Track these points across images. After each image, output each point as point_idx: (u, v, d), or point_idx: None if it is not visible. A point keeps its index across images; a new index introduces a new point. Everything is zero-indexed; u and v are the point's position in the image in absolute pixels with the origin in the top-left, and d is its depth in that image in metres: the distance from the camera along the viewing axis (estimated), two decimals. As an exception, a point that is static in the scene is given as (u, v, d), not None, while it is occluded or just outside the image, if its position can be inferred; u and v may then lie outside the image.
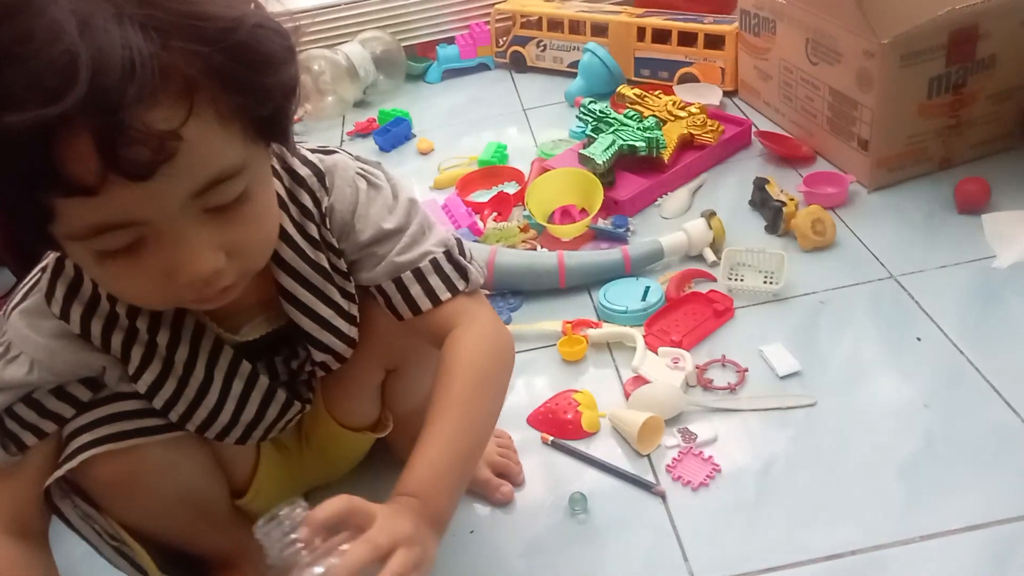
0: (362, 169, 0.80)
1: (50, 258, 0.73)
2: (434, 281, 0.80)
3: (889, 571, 0.88)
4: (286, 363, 0.85)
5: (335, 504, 0.61)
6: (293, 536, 0.61)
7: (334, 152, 0.81)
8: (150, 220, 0.58)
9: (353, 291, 0.82)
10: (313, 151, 0.80)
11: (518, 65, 2.25)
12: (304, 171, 0.77)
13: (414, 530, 0.63)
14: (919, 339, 1.16)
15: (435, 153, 1.91)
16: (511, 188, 1.66)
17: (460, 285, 0.81)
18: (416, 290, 0.79)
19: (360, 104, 2.21)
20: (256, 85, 0.59)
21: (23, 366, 0.72)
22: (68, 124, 0.52)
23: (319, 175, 0.78)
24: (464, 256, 0.82)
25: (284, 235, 0.75)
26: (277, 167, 0.76)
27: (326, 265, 0.79)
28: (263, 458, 0.93)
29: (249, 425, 0.82)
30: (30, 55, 0.51)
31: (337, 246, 0.79)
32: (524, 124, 1.98)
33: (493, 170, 1.73)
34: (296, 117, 0.74)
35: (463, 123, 2.04)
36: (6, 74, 0.51)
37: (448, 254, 0.81)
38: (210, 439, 0.82)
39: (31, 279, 0.74)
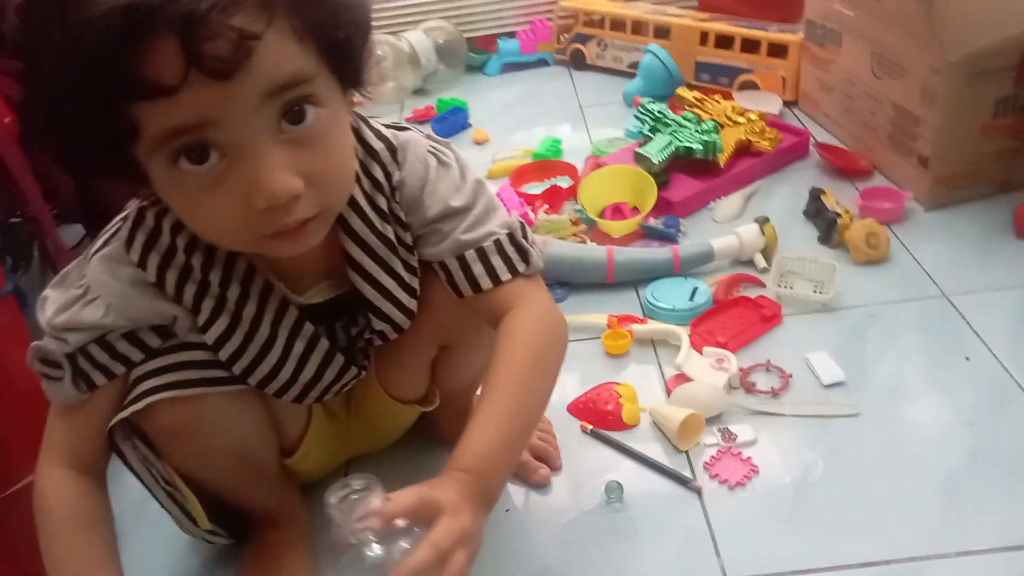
0: (433, 147, 0.83)
1: (131, 209, 0.77)
2: (496, 262, 0.81)
3: (922, 584, 0.88)
4: (346, 329, 0.87)
5: (408, 498, 0.63)
6: (365, 521, 0.62)
7: (407, 129, 0.83)
8: (227, 121, 0.61)
9: (416, 265, 0.84)
10: (387, 126, 0.83)
11: (577, 63, 2.26)
12: (377, 144, 0.80)
13: (472, 523, 0.64)
14: (968, 359, 1.15)
15: (490, 144, 1.94)
16: (564, 182, 1.67)
17: (520, 267, 0.82)
18: (478, 269, 0.81)
19: (419, 92, 2.24)
20: (331, 5, 0.64)
21: (99, 309, 0.75)
22: (153, 22, 0.56)
23: (392, 149, 0.80)
24: (526, 239, 0.84)
25: (354, 205, 0.78)
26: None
27: (392, 237, 0.81)
28: (313, 422, 0.96)
29: (307, 385, 0.84)
30: None
31: (405, 220, 0.81)
32: (580, 121, 1.99)
33: (547, 163, 1.75)
34: (357, 100, 0.76)
35: (519, 116, 2.06)
36: None
37: (511, 236, 0.82)
38: (269, 395, 0.85)
39: (112, 227, 0.77)
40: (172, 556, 1.01)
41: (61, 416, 0.81)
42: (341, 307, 0.85)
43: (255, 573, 0.95)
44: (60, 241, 1.11)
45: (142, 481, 0.87)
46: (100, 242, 0.77)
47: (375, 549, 0.63)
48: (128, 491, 0.90)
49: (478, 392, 1.02)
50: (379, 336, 0.87)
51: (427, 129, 0.88)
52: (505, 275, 0.81)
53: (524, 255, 0.83)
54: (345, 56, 0.68)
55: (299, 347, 0.82)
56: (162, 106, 0.59)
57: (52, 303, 0.77)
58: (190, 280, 0.77)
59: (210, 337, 0.79)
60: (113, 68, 0.57)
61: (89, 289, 0.76)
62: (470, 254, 0.81)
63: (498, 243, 0.81)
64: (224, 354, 0.80)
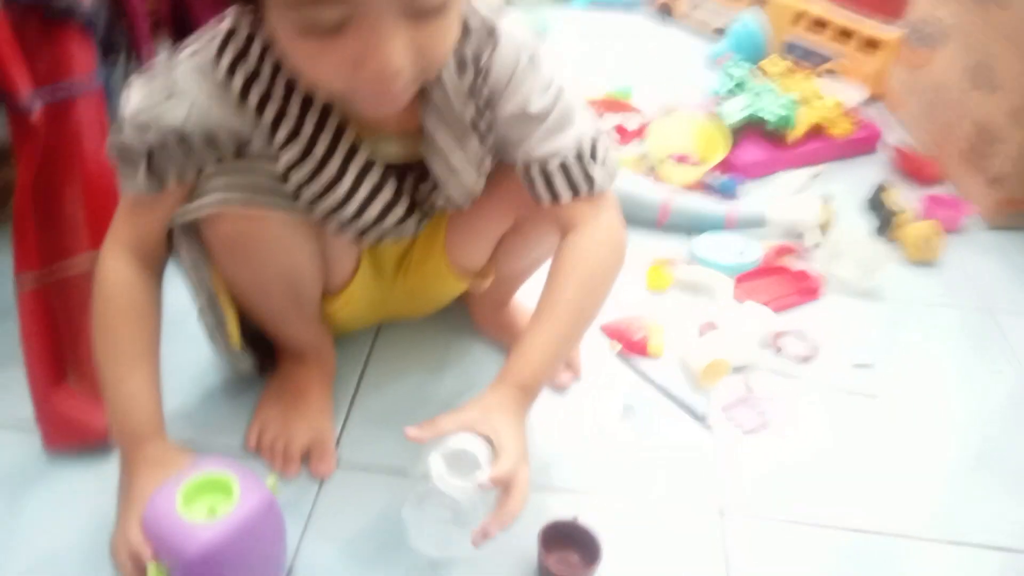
0: (529, 42, 0.82)
1: (224, 24, 0.77)
2: (558, 183, 0.82)
3: (903, 561, 0.90)
4: (415, 184, 0.88)
5: (505, 471, 0.74)
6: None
7: (509, 15, 0.82)
8: (361, 4, 0.62)
9: (489, 147, 0.85)
10: (489, 7, 0.81)
11: (664, 15, 2.24)
12: (475, 24, 0.79)
13: (523, 452, 0.77)
14: (1000, 371, 1.16)
15: (563, 75, 1.92)
16: (630, 124, 1.66)
17: (583, 189, 0.83)
18: (540, 186, 0.83)
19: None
20: None
21: (181, 110, 0.76)
22: None
23: (489, 32, 0.79)
24: (597, 156, 0.83)
25: (439, 78, 0.78)
26: None
27: (470, 118, 0.81)
28: (360, 272, 0.97)
29: (367, 226, 0.85)
30: None
31: (483, 106, 0.81)
32: (656, 73, 1.98)
33: (617, 103, 1.74)
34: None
35: (596, 52, 2.05)
36: None
37: (579, 156, 0.82)
38: (327, 231, 0.86)
39: (203, 37, 0.77)
40: (197, 372, 1.04)
41: (129, 209, 0.83)
42: (411, 166, 0.85)
43: (276, 399, 0.97)
44: (152, 49, 1.12)
45: (189, 284, 0.88)
46: (189, 49, 0.77)
47: (456, 494, 0.73)
48: (165, 308, 0.92)
49: (521, 305, 1.05)
50: (444, 205, 0.87)
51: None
52: (566, 196, 0.83)
53: (588, 177, 0.83)
54: None
55: (365, 188, 0.83)
56: None
57: (136, 97, 0.77)
58: (272, 101, 0.77)
59: (282, 161, 0.80)
60: None
61: (175, 90, 0.76)
62: (535, 169, 0.82)
63: (563, 166, 0.82)
64: (293, 179, 0.81)
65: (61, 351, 0.94)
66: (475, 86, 0.80)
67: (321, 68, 0.67)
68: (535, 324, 0.82)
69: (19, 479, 0.90)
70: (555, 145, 0.81)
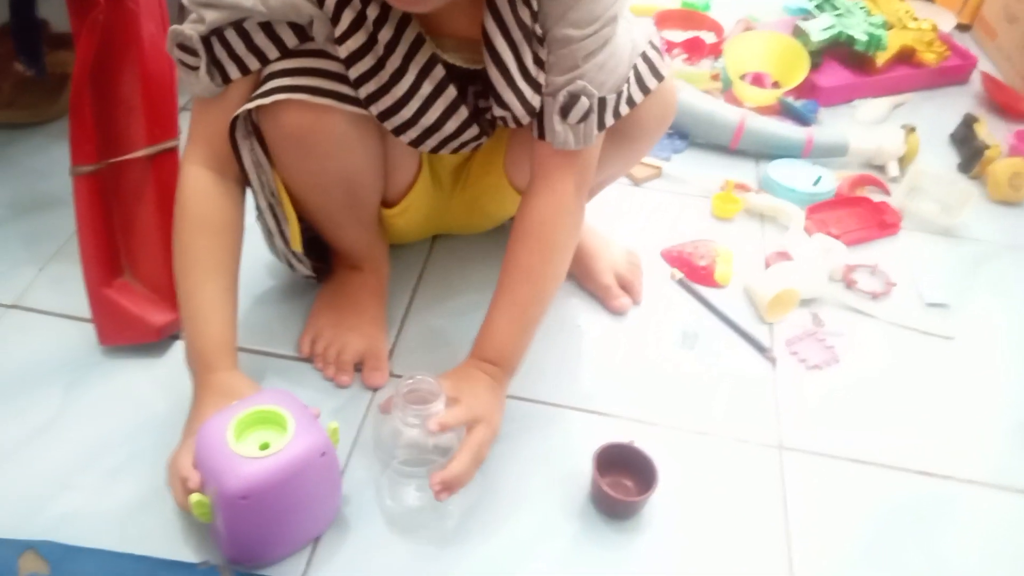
0: None
1: None
2: (547, 122, 0.79)
3: (960, 505, 0.87)
4: (476, 97, 0.83)
5: (462, 414, 0.76)
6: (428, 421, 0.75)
7: None
8: None
9: (544, 59, 0.79)
10: None
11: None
12: None
13: (498, 418, 0.81)
14: (1082, 320, 1.10)
15: (636, -17, 1.82)
16: (708, 38, 1.58)
17: (548, 138, 0.80)
18: (543, 120, 0.80)
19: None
20: None
21: None
22: None
23: None
24: (571, 113, 0.78)
25: None
26: None
27: (528, 22, 0.75)
28: (420, 181, 0.94)
29: (427, 129, 0.81)
30: None
31: (535, 8, 0.75)
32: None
33: (694, 15, 1.64)
34: None
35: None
36: None
37: (570, 104, 0.77)
38: (389, 130, 0.82)
39: None
40: (253, 274, 1.02)
41: (201, 112, 0.80)
42: (475, 76, 0.81)
43: (330, 307, 0.96)
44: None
45: (250, 185, 0.86)
46: None
47: (419, 435, 0.76)
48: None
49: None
50: (501, 121, 0.83)
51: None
52: (534, 132, 0.81)
53: (552, 131, 0.79)
54: None
55: (427, 88, 0.78)
56: None
57: None
58: None
59: (344, 51, 0.76)
60: None
61: None
62: (546, 99, 0.78)
63: (563, 108, 0.78)
64: (354, 73, 0.77)
65: (117, 244, 0.93)
66: None
67: None
68: (497, 297, 0.84)
69: (75, 369, 0.90)
70: (554, 81, 0.77)
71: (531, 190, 0.83)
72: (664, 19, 1.61)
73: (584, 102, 0.77)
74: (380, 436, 0.81)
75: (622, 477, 0.83)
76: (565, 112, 0.78)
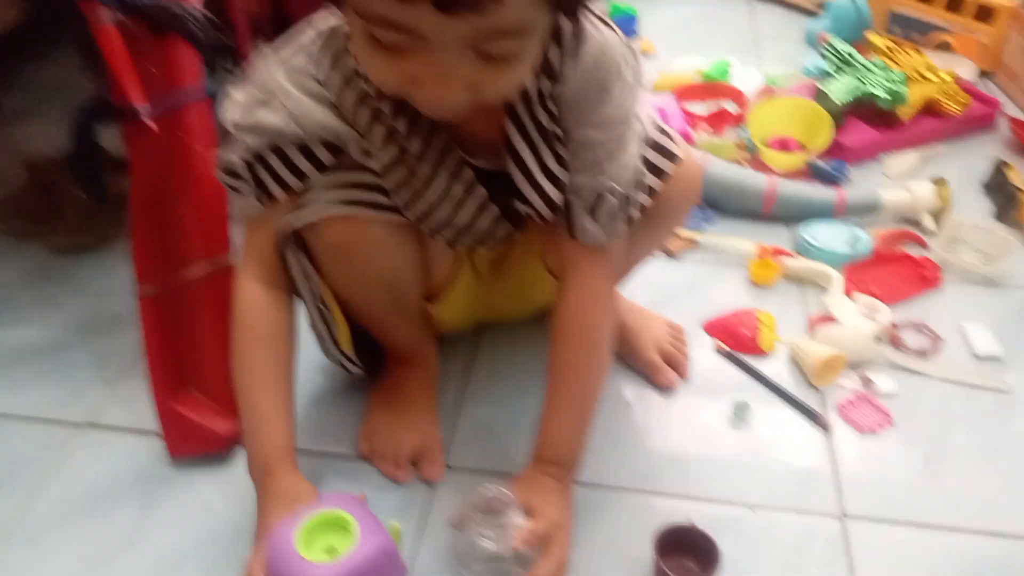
0: (624, 59, 0.77)
1: (323, 26, 0.77)
2: (575, 220, 0.82)
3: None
4: (504, 193, 0.86)
5: (543, 528, 0.79)
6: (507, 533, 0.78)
7: (610, 28, 0.78)
8: (433, 39, 0.62)
9: (567, 158, 0.81)
10: (593, 13, 0.77)
11: (759, -8, 2.16)
12: (567, 25, 0.75)
13: (559, 520, 0.82)
14: None
15: (655, 58, 1.88)
16: (730, 107, 1.61)
17: (580, 236, 0.82)
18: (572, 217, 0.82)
19: (591, -7, 2.18)
20: None
21: (279, 114, 0.77)
22: None
23: (579, 38, 0.75)
24: (600, 210, 0.80)
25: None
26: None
27: (546, 124, 0.78)
28: (459, 274, 0.97)
29: (462, 229, 0.85)
30: None
31: (555, 111, 0.78)
32: (753, 53, 1.91)
33: (716, 86, 1.68)
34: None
35: (689, 36, 1.99)
36: None
37: (589, 206, 0.80)
38: (426, 232, 0.86)
39: (301, 37, 0.78)
40: (309, 376, 1.05)
41: (251, 231, 0.85)
42: (503, 176, 0.83)
43: (384, 404, 0.98)
44: (253, 53, 1.14)
45: (299, 294, 0.90)
46: (288, 50, 0.78)
47: (498, 548, 0.78)
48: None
49: (626, 301, 1.05)
50: (529, 216, 0.85)
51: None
52: (563, 231, 0.83)
53: (581, 228, 0.81)
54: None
55: (457, 190, 0.82)
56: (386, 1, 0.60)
57: (236, 104, 0.79)
58: (366, 105, 0.77)
59: (377, 164, 0.80)
60: None
61: (272, 95, 0.77)
62: (571, 200, 0.81)
63: (591, 208, 0.80)
64: (388, 183, 0.81)
65: (181, 359, 0.97)
66: (554, 92, 0.77)
67: (380, 74, 0.68)
68: (549, 397, 0.86)
69: (148, 483, 0.93)
70: (578, 182, 0.80)
71: (566, 286, 0.86)
72: (686, 93, 1.65)
73: (611, 200, 0.80)
74: (456, 550, 0.83)
75: (685, 559, 0.83)
76: (593, 211, 0.81)
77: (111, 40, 0.93)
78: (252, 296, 0.85)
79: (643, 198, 0.85)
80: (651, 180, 0.86)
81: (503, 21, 0.62)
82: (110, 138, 1.14)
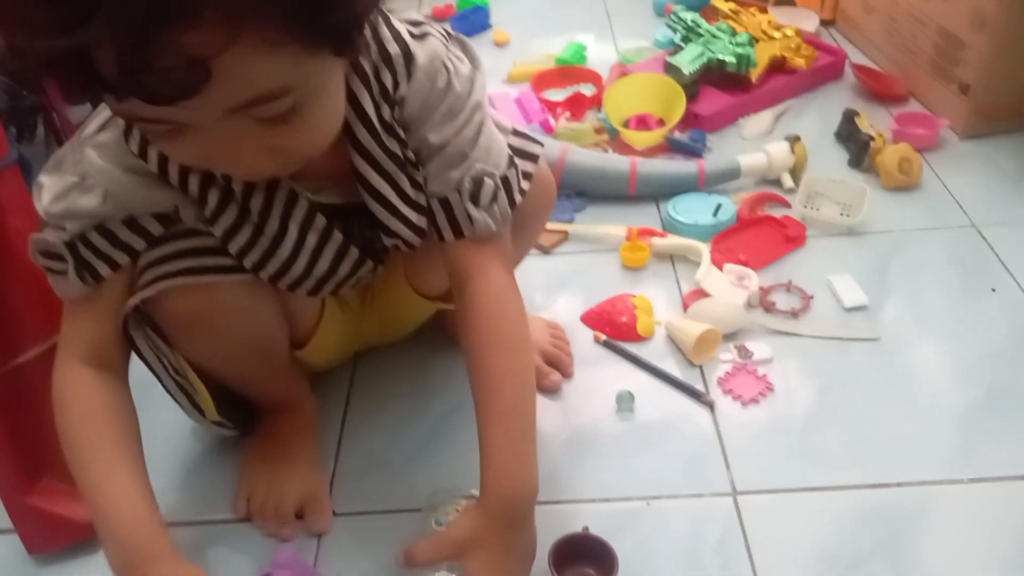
0: (449, 59, 0.75)
1: None
2: (440, 219, 0.78)
3: (931, 507, 0.87)
4: (363, 229, 0.83)
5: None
6: None
7: (429, 35, 0.76)
8: (190, 124, 0.58)
9: (421, 181, 0.79)
10: (411, 25, 0.75)
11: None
12: (393, 49, 0.73)
13: (507, 552, 0.74)
14: (994, 290, 1.13)
15: (510, 46, 1.87)
16: (587, 90, 1.61)
17: (465, 230, 0.77)
18: (441, 220, 0.78)
19: (440, -12, 2.14)
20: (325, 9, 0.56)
21: (97, 196, 0.72)
22: (97, 45, 0.51)
23: (407, 58, 0.73)
24: (481, 197, 0.77)
25: (362, 114, 0.73)
26: (367, 37, 0.71)
27: (398, 152, 0.76)
28: (326, 313, 0.93)
29: (321, 279, 0.81)
30: None
31: (403, 136, 0.76)
32: (606, 30, 1.91)
33: (570, 70, 1.68)
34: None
35: (542, 20, 1.98)
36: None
37: (463, 194, 0.76)
38: (282, 288, 0.82)
39: (107, 111, 0.72)
40: (177, 441, 1.00)
41: (73, 313, 0.78)
42: (356, 209, 0.80)
43: (261, 458, 0.94)
44: (66, 115, 1.07)
45: (152, 370, 0.84)
46: (95, 125, 0.72)
47: None
48: (132, 373, 0.88)
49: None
50: (395, 247, 0.83)
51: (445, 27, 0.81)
52: (448, 235, 0.78)
53: (468, 218, 0.77)
54: (337, 33, 0.60)
55: (311, 240, 0.78)
56: (122, 101, 0.55)
57: (48, 190, 0.72)
58: (194, 171, 0.72)
59: (219, 229, 0.76)
60: (71, 64, 0.52)
61: (86, 176, 0.71)
62: (434, 203, 0.78)
63: (445, 202, 0.77)
64: (233, 247, 0.76)
65: (28, 446, 0.90)
66: (394, 118, 0.75)
67: (178, 157, 0.66)
68: (483, 417, 0.75)
69: (11, 586, 0.87)
70: (445, 179, 0.77)
71: (466, 290, 0.78)
72: (542, 80, 1.64)
73: (489, 183, 0.77)
74: None
75: (583, 567, 0.82)
76: (475, 198, 0.77)
77: None
78: (77, 377, 0.76)
79: (524, 183, 0.81)
80: (526, 166, 0.83)
81: (251, 90, 0.57)
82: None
